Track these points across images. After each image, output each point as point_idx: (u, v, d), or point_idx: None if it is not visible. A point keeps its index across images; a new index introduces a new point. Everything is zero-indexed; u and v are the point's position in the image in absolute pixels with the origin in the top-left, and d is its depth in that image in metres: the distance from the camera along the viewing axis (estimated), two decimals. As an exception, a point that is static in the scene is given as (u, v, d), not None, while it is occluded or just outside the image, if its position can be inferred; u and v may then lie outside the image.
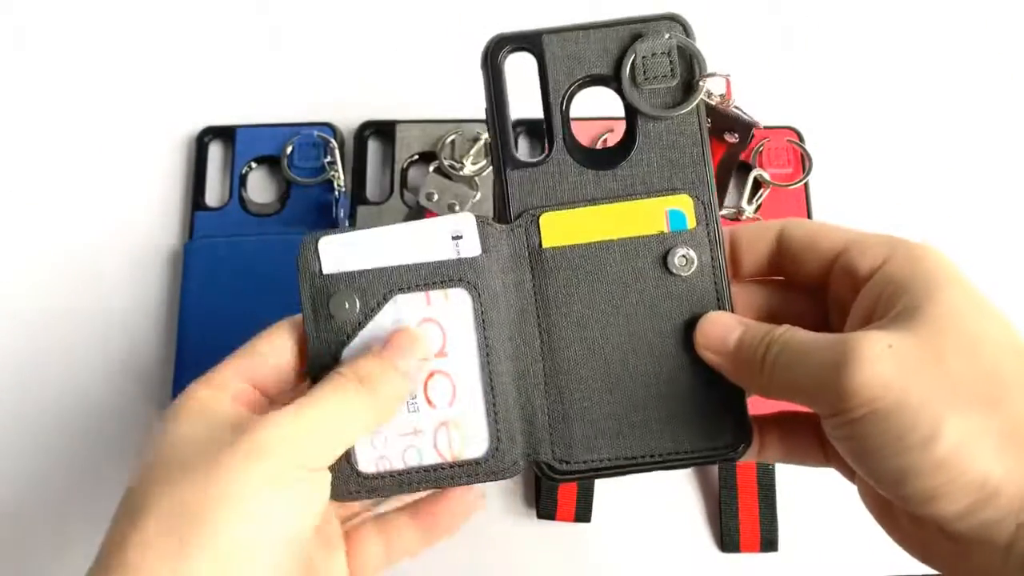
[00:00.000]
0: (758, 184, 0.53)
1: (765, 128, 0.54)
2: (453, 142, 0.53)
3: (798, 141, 0.54)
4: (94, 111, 0.57)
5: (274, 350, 0.33)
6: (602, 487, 0.48)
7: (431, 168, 0.53)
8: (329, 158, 0.53)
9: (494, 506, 0.48)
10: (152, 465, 0.29)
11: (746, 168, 0.53)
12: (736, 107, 0.37)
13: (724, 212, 0.52)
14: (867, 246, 0.31)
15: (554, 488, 0.47)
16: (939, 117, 0.56)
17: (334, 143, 0.53)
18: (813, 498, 0.48)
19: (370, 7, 0.59)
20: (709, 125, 0.35)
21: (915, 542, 0.30)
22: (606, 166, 0.35)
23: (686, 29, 0.35)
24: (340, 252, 0.33)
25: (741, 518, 0.47)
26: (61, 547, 0.48)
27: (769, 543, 0.47)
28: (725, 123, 0.40)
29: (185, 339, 0.50)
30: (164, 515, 0.27)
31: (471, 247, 0.34)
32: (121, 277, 0.53)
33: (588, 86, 0.35)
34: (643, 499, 0.48)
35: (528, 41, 0.35)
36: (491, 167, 0.53)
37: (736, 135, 0.42)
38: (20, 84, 0.58)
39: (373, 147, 0.56)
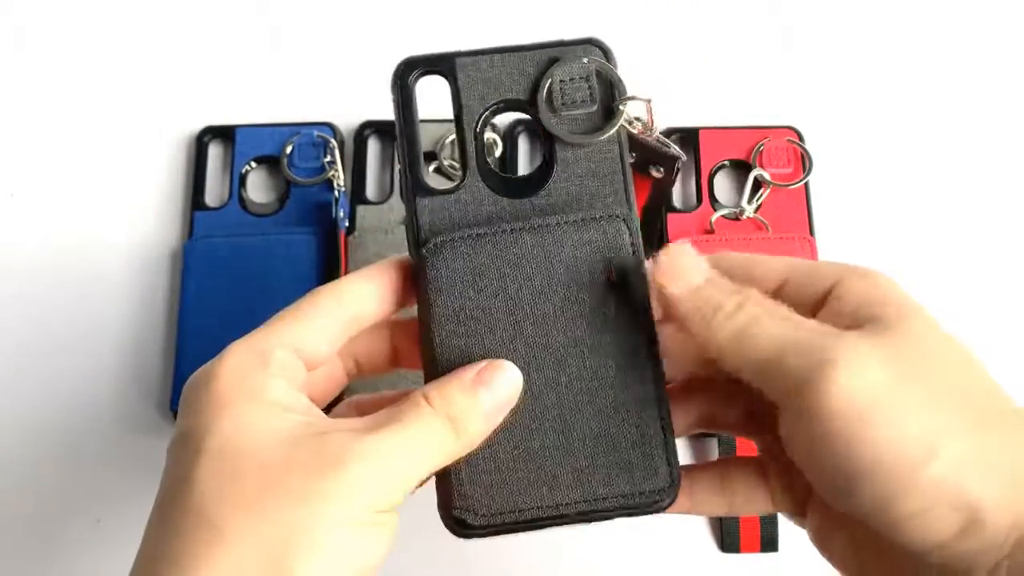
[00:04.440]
0: (758, 184, 0.53)
1: (765, 128, 0.54)
2: (453, 142, 0.53)
3: (798, 141, 0.54)
4: (94, 111, 0.57)
5: (324, 318, 0.31)
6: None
7: (431, 168, 0.53)
8: (329, 158, 0.53)
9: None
10: (223, 462, 0.27)
11: (746, 168, 0.53)
12: (659, 138, 0.36)
13: (725, 212, 0.52)
14: (812, 271, 0.30)
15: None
16: (939, 116, 0.56)
17: (334, 143, 0.53)
18: (813, 498, 0.48)
19: (370, 8, 0.59)
20: (633, 158, 0.34)
21: None
22: (522, 194, 0.33)
23: (606, 54, 0.34)
24: None
25: (742, 518, 0.47)
26: (61, 548, 0.48)
27: (769, 543, 0.47)
28: (648, 155, 0.39)
29: (185, 339, 0.50)
30: (252, 547, 0.25)
31: None
32: (121, 277, 0.53)
33: (503, 111, 0.34)
34: (643, 499, 0.48)
35: (440, 64, 0.34)
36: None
37: (661, 169, 0.40)
38: (20, 84, 0.58)
39: (373, 147, 0.56)
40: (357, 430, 0.27)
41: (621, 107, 0.33)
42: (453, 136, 0.53)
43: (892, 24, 0.59)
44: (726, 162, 0.54)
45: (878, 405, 0.25)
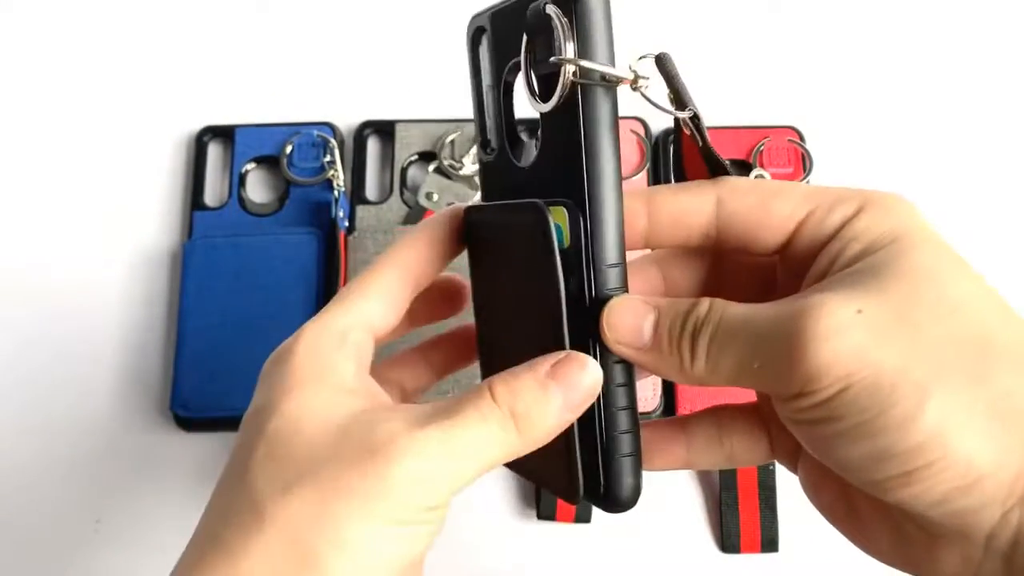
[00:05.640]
0: (758, 184, 0.53)
1: (765, 128, 0.54)
2: (453, 142, 0.53)
3: (799, 141, 0.53)
4: (94, 110, 0.57)
5: (390, 289, 0.30)
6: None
7: (431, 168, 0.53)
8: (328, 158, 0.53)
9: (494, 507, 0.48)
10: (277, 445, 0.26)
11: (747, 168, 0.53)
12: (655, 103, 0.28)
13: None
14: (836, 202, 0.27)
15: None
16: (940, 115, 0.56)
17: (334, 143, 0.53)
18: (814, 498, 0.48)
19: (370, 7, 0.59)
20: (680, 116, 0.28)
21: (880, 538, 0.28)
22: (527, 165, 0.30)
23: None
24: None
25: (742, 518, 0.47)
26: (60, 548, 0.48)
27: (770, 543, 0.47)
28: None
29: (185, 339, 0.49)
30: (285, 536, 0.25)
31: None
32: (120, 277, 0.53)
33: (515, 74, 0.30)
34: (643, 499, 0.48)
35: (484, 24, 0.30)
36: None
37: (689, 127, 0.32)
38: (20, 83, 0.57)
39: (373, 147, 0.56)
40: (409, 422, 0.26)
41: (567, 66, 0.26)
42: (453, 136, 0.53)
43: (892, 24, 0.59)
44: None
45: (863, 368, 0.23)
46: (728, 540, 0.47)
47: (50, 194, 0.55)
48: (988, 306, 0.25)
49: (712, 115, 0.55)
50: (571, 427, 0.28)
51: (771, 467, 0.47)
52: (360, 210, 0.53)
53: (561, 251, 0.27)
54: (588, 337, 0.28)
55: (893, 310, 0.24)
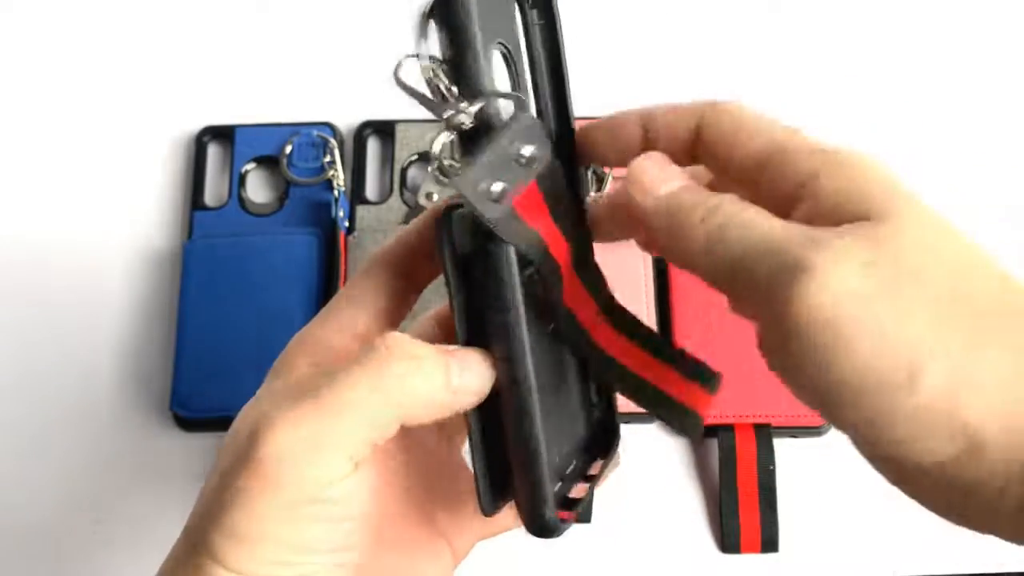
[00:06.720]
0: (758, 184, 0.53)
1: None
2: (453, 142, 0.53)
3: (798, 141, 0.53)
4: (93, 111, 0.57)
5: (370, 293, 0.29)
6: (602, 487, 0.48)
7: (431, 168, 0.53)
8: (328, 158, 0.53)
9: (494, 506, 0.48)
10: (220, 456, 0.27)
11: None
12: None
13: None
14: (793, 156, 0.26)
15: (554, 488, 0.47)
16: (941, 115, 0.56)
17: (333, 143, 0.53)
18: (813, 498, 0.48)
19: (370, 7, 0.59)
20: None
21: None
22: None
23: None
24: None
25: (742, 518, 0.47)
26: (60, 548, 0.48)
27: (770, 543, 0.47)
28: None
29: (184, 339, 0.49)
30: (186, 543, 0.26)
31: None
32: (120, 277, 0.53)
33: None
34: (643, 499, 0.48)
35: None
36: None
37: None
38: (20, 83, 0.58)
39: (373, 147, 0.56)
40: (291, 399, 0.25)
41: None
42: (452, 137, 0.53)
43: (892, 23, 0.59)
44: (726, 162, 0.54)
45: (855, 318, 0.22)
46: (728, 540, 0.47)
47: (50, 194, 0.55)
48: (988, 267, 0.24)
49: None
50: (473, 444, 0.28)
51: (771, 467, 0.47)
52: (360, 210, 0.53)
53: (467, 255, 0.27)
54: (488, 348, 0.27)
55: (893, 263, 0.22)
